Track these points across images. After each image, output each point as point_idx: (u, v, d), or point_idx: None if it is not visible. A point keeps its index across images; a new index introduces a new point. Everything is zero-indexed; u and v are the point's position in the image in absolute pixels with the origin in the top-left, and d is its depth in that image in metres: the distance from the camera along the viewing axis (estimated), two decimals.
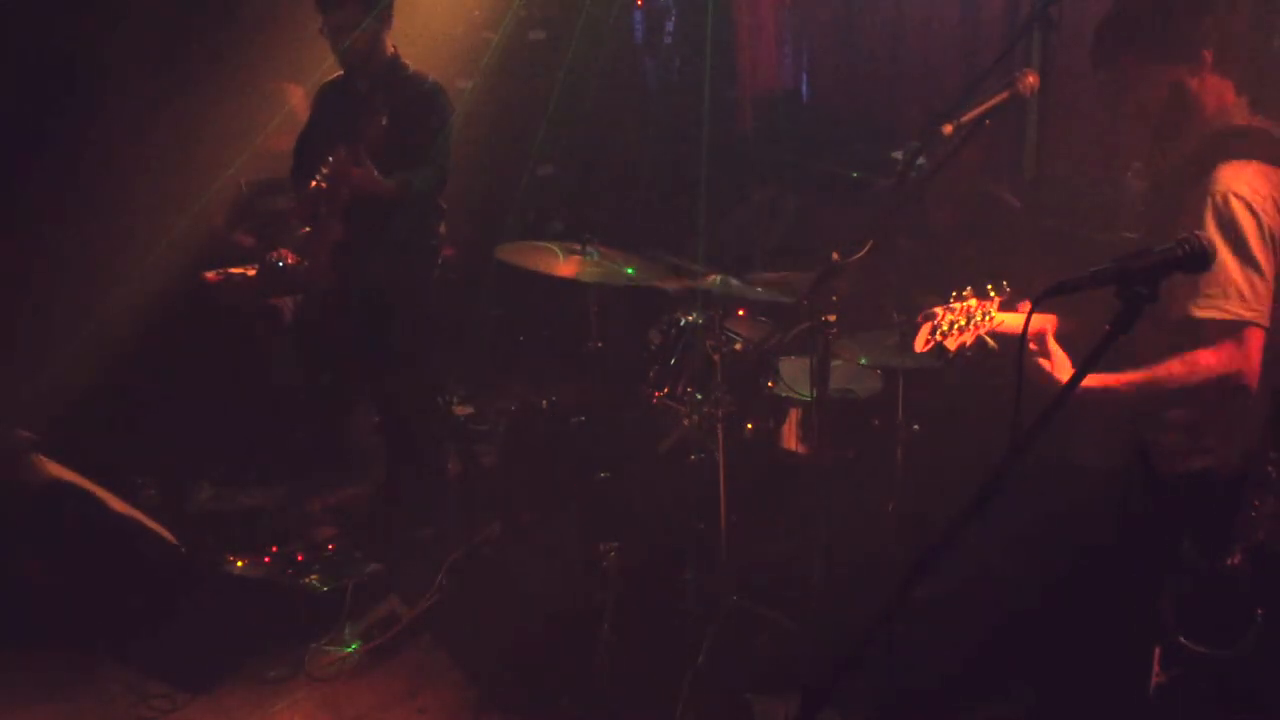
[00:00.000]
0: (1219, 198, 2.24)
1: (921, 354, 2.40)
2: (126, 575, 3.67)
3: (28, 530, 3.67)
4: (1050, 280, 1.76)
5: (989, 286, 2.40)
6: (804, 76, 6.00)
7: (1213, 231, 2.19)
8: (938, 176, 2.99)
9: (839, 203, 5.03)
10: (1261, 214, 2.23)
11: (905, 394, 3.44)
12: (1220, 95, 2.39)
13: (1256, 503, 2.21)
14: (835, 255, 2.75)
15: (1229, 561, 2.21)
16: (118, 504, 3.78)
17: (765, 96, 6.02)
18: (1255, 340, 2.23)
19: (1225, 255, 2.19)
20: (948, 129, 2.59)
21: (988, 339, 2.37)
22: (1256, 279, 2.22)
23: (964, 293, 2.42)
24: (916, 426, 3.49)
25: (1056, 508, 2.94)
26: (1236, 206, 2.23)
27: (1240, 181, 2.25)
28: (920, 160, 3.02)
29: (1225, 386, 2.24)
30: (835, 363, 3.42)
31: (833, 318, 2.95)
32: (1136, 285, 1.68)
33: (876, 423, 3.57)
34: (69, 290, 4.50)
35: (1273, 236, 2.25)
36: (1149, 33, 2.38)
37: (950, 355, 2.35)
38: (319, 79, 4.29)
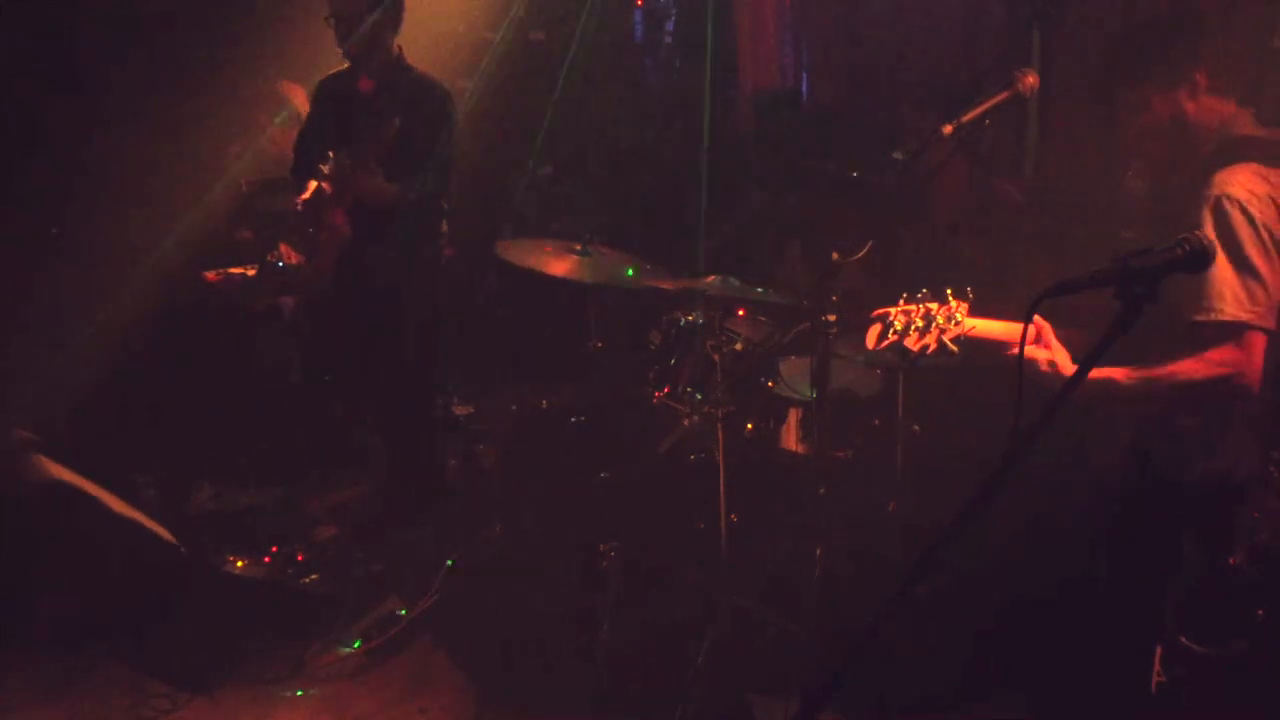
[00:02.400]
0: (1214, 202, 2.25)
1: (881, 352, 2.45)
2: (126, 575, 3.67)
3: (28, 530, 3.67)
4: (1050, 280, 1.76)
5: (949, 291, 2.42)
6: (804, 76, 5.99)
7: (1211, 235, 2.20)
8: (938, 175, 3.00)
9: (839, 203, 5.02)
10: (1257, 215, 2.24)
11: (905, 394, 3.44)
12: (1219, 113, 2.41)
13: (1258, 504, 2.21)
14: (835, 255, 2.75)
15: (1229, 561, 2.21)
16: (118, 504, 3.78)
17: (765, 96, 6.01)
18: (1255, 342, 2.24)
19: (1221, 260, 2.21)
20: (948, 129, 2.60)
21: (949, 343, 2.39)
22: (1253, 283, 2.24)
23: (920, 294, 2.44)
24: (917, 427, 3.49)
25: (1056, 507, 2.95)
26: (1231, 210, 2.25)
27: (1234, 184, 2.26)
28: (921, 159, 3.02)
29: (1226, 388, 2.25)
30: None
31: (833, 318, 2.95)
32: (1136, 285, 1.68)
33: (877, 423, 3.56)
34: (69, 290, 4.49)
35: (1272, 237, 2.25)
36: (1143, 60, 2.41)
37: (914, 356, 2.39)
38: (320, 77, 4.27)
